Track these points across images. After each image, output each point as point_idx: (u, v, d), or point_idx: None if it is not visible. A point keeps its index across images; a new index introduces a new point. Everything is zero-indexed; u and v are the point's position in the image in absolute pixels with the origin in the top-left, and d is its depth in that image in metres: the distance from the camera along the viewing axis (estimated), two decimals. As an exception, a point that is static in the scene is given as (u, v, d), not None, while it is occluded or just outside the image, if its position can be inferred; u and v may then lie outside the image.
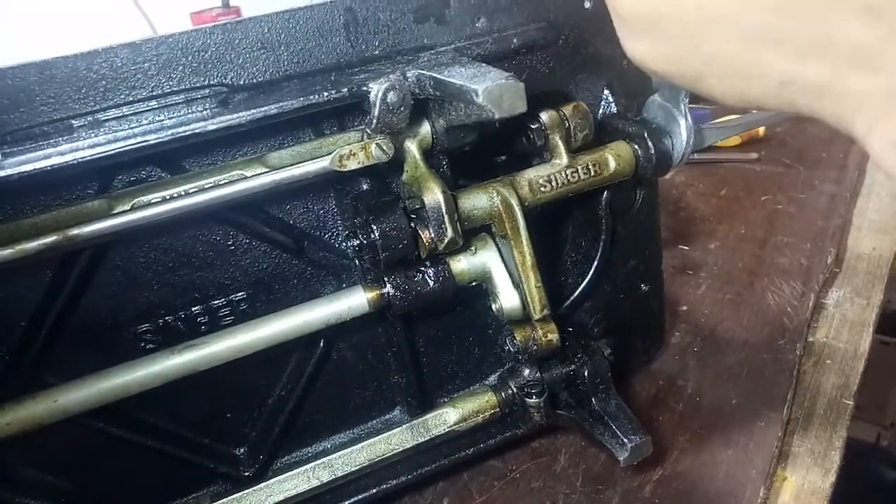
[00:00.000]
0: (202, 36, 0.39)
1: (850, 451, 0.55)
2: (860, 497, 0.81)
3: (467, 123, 0.40)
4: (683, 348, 0.63)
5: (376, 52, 0.42)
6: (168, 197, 0.39)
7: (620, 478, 0.52)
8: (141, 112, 0.38)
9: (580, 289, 0.54)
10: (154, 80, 0.38)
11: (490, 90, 0.34)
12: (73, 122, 0.37)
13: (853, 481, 0.57)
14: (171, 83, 0.38)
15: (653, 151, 0.45)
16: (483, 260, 0.46)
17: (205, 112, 0.38)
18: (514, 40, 0.44)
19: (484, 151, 0.46)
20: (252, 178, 0.39)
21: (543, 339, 0.47)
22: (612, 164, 0.46)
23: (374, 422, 0.52)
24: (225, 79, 0.39)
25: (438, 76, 0.37)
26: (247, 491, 0.47)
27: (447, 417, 0.51)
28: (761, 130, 1.01)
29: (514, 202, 0.43)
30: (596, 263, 0.53)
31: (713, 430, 0.55)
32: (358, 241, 0.44)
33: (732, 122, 0.51)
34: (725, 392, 0.58)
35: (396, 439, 0.50)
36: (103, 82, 0.37)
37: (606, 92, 0.50)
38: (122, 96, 0.38)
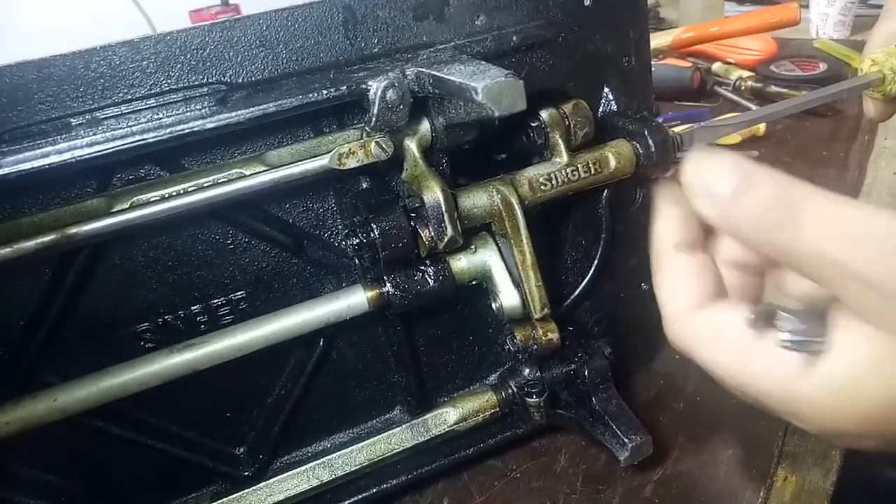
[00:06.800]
0: (200, 34, 0.38)
1: (851, 451, 0.55)
2: (860, 497, 0.81)
3: (467, 121, 0.40)
4: (684, 347, 0.63)
5: (375, 50, 0.42)
6: (167, 195, 0.39)
7: (621, 478, 0.51)
8: (139, 110, 0.38)
9: (580, 288, 0.53)
10: (152, 79, 0.38)
11: (489, 88, 0.34)
12: (72, 120, 0.37)
13: (853, 481, 0.57)
14: (169, 81, 0.38)
15: (653, 149, 0.45)
16: (483, 259, 0.46)
17: (203, 110, 0.38)
18: (514, 38, 0.44)
19: (484, 150, 0.46)
20: (251, 177, 0.39)
21: (544, 338, 0.47)
22: (613, 163, 0.46)
23: (374, 421, 0.52)
24: (223, 77, 0.39)
25: (438, 74, 0.37)
26: (246, 490, 0.47)
27: (447, 417, 0.50)
28: (762, 129, 1.01)
29: (514, 200, 0.43)
30: (596, 262, 0.53)
31: (713, 430, 0.55)
32: (357, 240, 0.44)
33: (732, 120, 0.50)
34: (726, 392, 0.57)
35: (396, 439, 0.50)
36: (101, 80, 0.37)
37: (607, 90, 0.50)
38: (121, 94, 0.38)
